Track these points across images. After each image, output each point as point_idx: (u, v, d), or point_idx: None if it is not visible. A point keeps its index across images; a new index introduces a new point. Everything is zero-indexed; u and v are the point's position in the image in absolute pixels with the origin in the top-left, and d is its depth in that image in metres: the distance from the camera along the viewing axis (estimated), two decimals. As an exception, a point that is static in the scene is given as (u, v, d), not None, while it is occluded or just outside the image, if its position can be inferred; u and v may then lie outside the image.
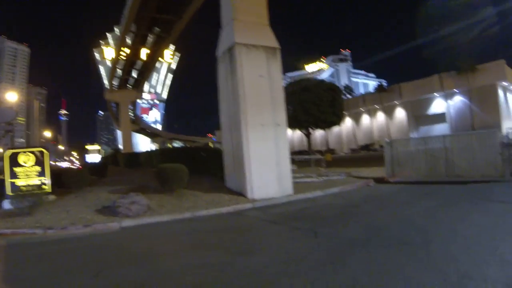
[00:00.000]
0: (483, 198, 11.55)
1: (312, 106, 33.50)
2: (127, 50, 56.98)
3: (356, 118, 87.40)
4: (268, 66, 15.47)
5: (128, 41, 56.96)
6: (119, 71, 68.73)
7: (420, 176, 17.46)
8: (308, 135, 40.26)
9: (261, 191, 14.36)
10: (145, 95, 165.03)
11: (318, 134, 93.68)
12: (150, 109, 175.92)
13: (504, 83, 64.34)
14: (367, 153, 70.89)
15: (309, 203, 13.28)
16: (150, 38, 54.72)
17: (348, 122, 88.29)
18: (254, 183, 14.33)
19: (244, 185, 14.54)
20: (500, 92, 64.02)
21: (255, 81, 15.05)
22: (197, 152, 22.24)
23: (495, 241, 6.65)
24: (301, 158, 22.62)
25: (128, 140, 74.28)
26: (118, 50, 59.44)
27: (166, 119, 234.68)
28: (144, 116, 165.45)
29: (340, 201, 13.32)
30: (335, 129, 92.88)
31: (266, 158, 14.75)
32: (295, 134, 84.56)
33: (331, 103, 34.88)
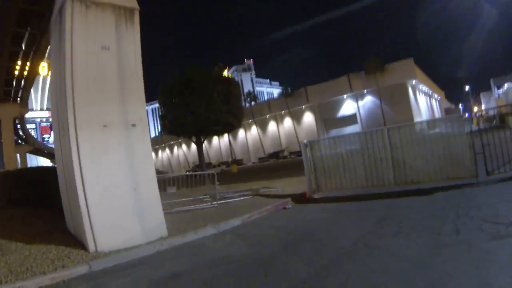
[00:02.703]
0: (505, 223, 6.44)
1: (199, 104, 25.19)
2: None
3: (262, 126, 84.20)
4: (118, 34, 9.53)
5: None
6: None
7: (357, 187, 12.43)
8: (198, 143, 31.14)
9: (111, 237, 8.42)
10: (44, 113, 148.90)
11: (222, 143, 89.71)
12: (51, 128, 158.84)
13: (413, 82, 64.72)
14: (277, 161, 67.92)
15: (188, 259, 7.38)
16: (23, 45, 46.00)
17: (253, 130, 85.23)
18: (96, 225, 8.26)
19: (81, 228, 8.46)
20: (410, 90, 64.28)
21: (95, 57, 9.06)
22: (41, 175, 15.64)
23: None
24: (189, 174, 16.30)
25: (12, 163, 63.54)
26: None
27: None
28: (46, 136, 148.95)
29: (242, 249, 7.51)
30: (241, 137, 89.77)
31: (114, 180, 8.72)
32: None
33: (226, 99, 26.69)
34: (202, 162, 28.80)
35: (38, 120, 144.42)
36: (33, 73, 57.34)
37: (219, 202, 13.13)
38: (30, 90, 63.89)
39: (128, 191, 8.88)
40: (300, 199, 12.74)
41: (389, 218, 8.41)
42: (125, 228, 8.62)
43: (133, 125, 9.25)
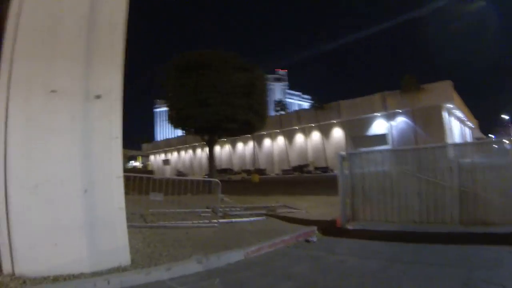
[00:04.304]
0: None
1: (213, 93, 19.13)
2: None
3: (289, 137, 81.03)
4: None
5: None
6: None
7: (407, 221, 9.05)
8: (210, 143, 23.78)
9: (38, 258, 5.41)
10: None
11: (247, 150, 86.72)
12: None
13: (450, 105, 60.58)
14: (301, 175, 64.46)
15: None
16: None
17: (280, 141, 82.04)
18: (17, 237, 5.33)
19: (-4, 240, 5.56)
20: (445, 114, 60.26)
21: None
22: None
23: None
24: (192, 179, 12.51)
25: None
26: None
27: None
28: None
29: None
30: (266, 146, 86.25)
31: (55, 173, 5.70)
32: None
33: (248, 91, 20.34)
34: (212, 167, 22.92)
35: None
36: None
37: (221, 220, 9.80)
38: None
39: (75, 193, 5.74)
40: (329, 228, 9.35)
41: (478, 283, 5.08)
42: (62, 247, 5.52)
43: (98, 97, 6.09)
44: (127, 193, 10.69)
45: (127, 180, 10.40)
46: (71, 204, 5.69)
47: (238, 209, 11.82)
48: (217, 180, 10.71)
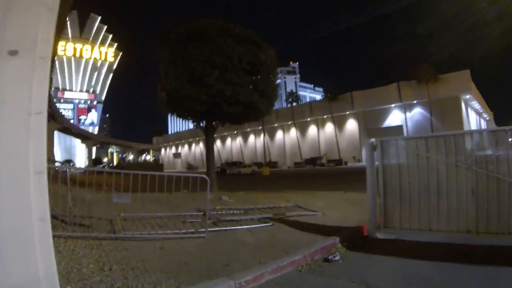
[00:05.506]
0: None
1: (210, 69, 14.99)
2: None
3: (302, 129, 78.56)
4: None
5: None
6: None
7: (459, 230, 6.60)
8: (207, 128, 18.74)
9: None
10: (83, 95, 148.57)
11: (259, 143, 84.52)
12: (89, 110, 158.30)
13: (467, 96, 57.58)
14: (313, 168, 61.98)
15: None
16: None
17: (292, 133, 79.54)
18: None
19: None
20: (463, 105, 57.35)
21: None
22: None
23: None
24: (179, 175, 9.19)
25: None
26: None
27: (110, 122, 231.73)
28: (82, 117, 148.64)
29: None
30: (278, 138, 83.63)
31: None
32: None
33: (252, 67, 16.04)
34: (210, 160, 17.92)
35: (77, 101, 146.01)
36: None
37: (211, 229, 7.35)
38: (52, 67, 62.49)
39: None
40: (354, 239, 6.99)
41: None
42: None
43: (13, 53, 3.74)
44: (108, 190, 8.43)
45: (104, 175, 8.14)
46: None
47: (237, 211, 9.38)
48: (204, 176, 7.97)
